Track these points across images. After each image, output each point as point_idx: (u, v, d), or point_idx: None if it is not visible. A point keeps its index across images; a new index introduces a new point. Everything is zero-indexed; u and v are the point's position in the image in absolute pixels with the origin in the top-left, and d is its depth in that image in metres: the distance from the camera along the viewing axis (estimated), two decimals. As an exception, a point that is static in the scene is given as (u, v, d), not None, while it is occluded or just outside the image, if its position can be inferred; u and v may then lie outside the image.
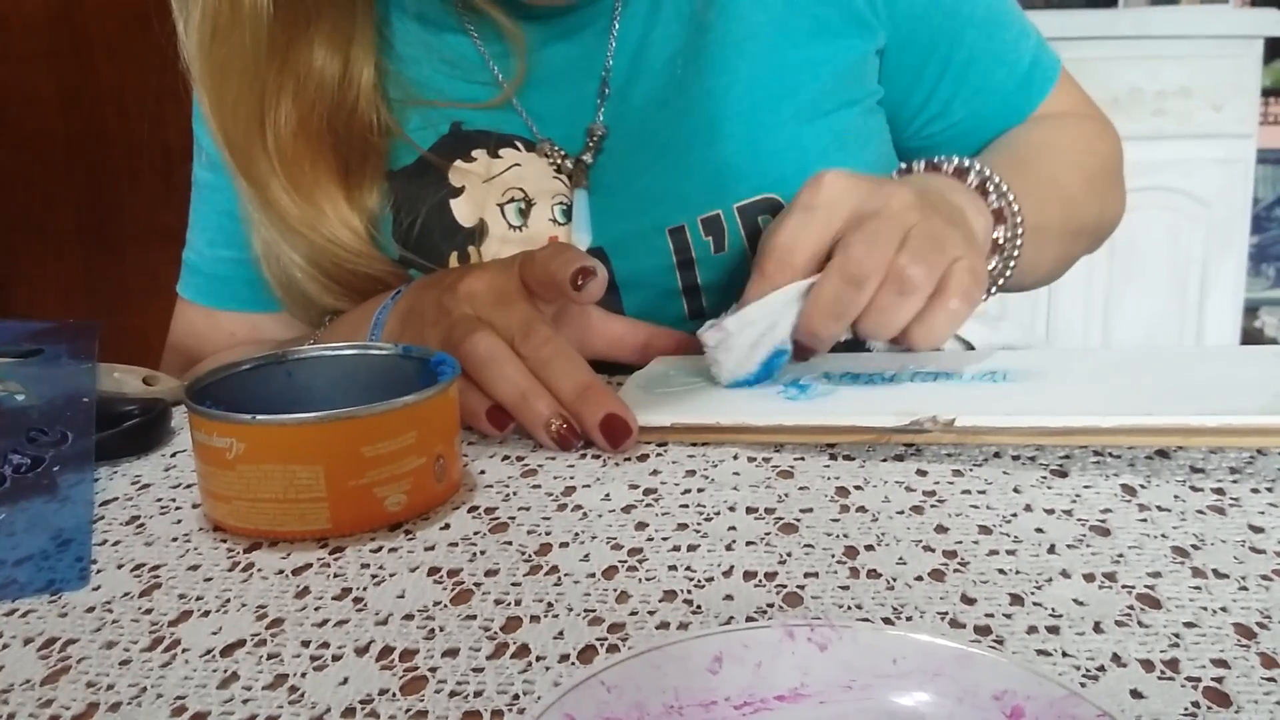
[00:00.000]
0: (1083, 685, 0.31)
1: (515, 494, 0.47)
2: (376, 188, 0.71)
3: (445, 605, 0.38)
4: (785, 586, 0.38)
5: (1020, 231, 0.62)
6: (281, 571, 0.41)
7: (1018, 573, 0.38)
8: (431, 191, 0.71)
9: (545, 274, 0.53)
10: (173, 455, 0.54)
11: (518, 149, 0.71)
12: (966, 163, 0.63)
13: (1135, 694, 0.31)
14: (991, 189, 0.62)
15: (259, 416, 0.42)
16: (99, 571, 0.42)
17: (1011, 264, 0.63)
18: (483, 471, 0.50)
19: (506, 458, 0.52)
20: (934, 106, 0.77)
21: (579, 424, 0.51)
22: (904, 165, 0.66)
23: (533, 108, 0.72)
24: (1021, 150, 0.75)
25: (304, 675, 0.34)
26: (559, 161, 0.71)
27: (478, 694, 0.32)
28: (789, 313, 0.54)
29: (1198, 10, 2.31)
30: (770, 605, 0.37)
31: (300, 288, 0.72)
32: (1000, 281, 0.64)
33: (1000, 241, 0.61)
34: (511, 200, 0.70)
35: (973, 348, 0.57)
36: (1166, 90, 2.16)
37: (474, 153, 0.71)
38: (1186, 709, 0.30)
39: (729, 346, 0.55)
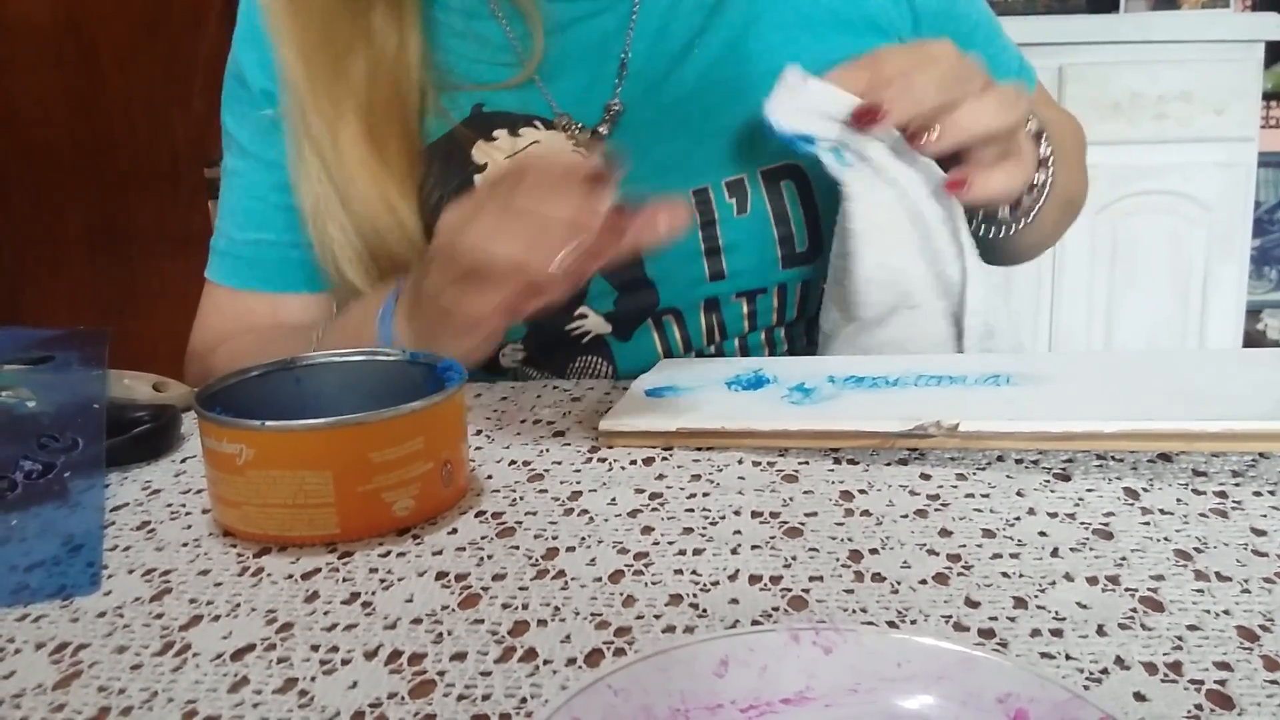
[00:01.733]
0: (1086, 688, 0.32)
1: (522, 499, 0.47)
2: (413, 163, 0.72)
3: (453, 609, 0.38)
4: (790, 590, 0.38)
5: (1050, 149, 0.67)
6: (291, 576, 0.41)
7: (1021, 576, 0.38)
8: (456, 170, 0.72)
9: (559, 165, 0.53)
10: (183, 461, 0.55)
11: (537, 127, 0.73)
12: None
13: (1138, 697, 0.31)
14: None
15: (268, 423, 0.42)
16: (110, 576, 0.42)
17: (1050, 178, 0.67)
18: (489, 476, 0.50)
19: (513, 462, 0.52)
20: None
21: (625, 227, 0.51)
22: None
23: (553, 87, 0.74)
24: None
25: (313, 679, 0.34)
26: (576, 134, 0.72)
27: (485, 697, 0.32)
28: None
29: (1199, 14, 2.31)
30: (775, 609, 0.37)
31: (333, 251, 0.72)
32: (1037, 208, 0.67)
33: (1048, 157, 0.66)
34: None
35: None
36: (1168, 94, 2.16)
37: (495, 133, 0.72)
38: (1189, 711, 0.30)
39: (800, 91, 0.59)
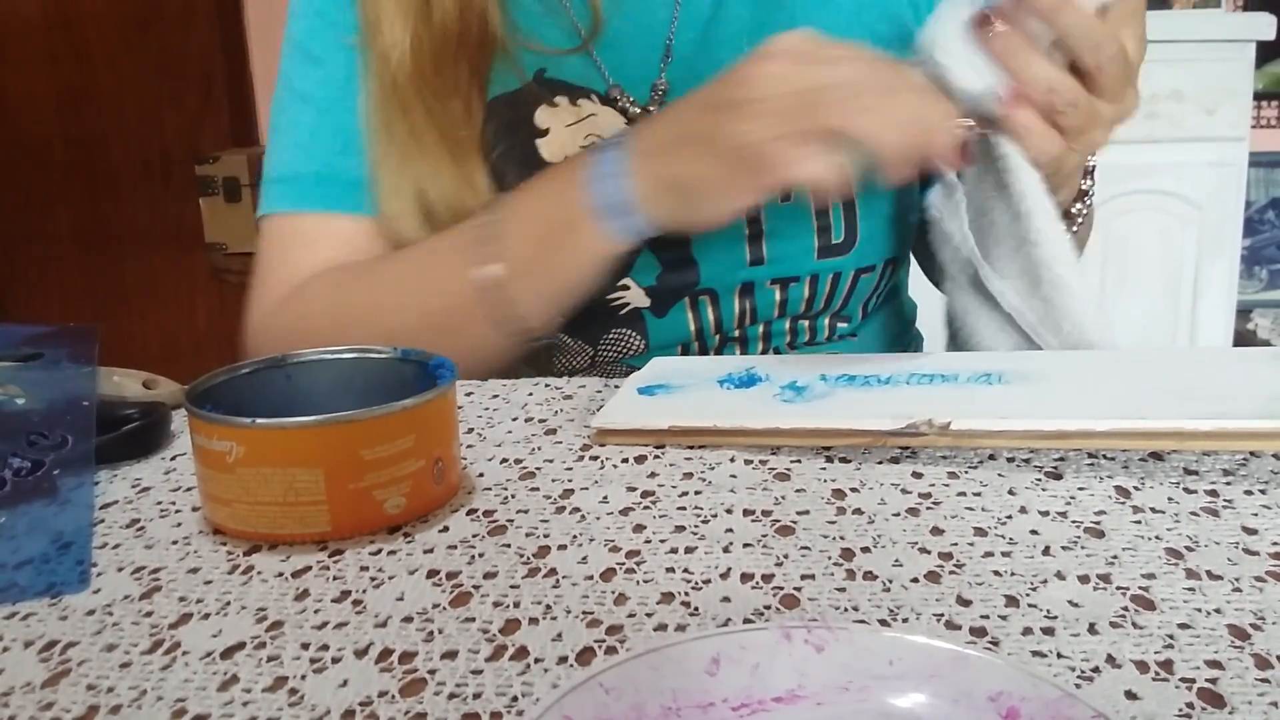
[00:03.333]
0: (1078, 686, 0.32)
1: (513, 497, 0.47)
2: (479, 113, 0.73)
3: (444, 607, 0.38)
4: (782, 588, 0.38)
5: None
6: (281, 574, 0.41)
7: (1013, 574, 0.38)
8: (520, 130, 0.72)
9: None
10: (173, 458, 0.55)
11: (592, 100, 0.74)
12: None
13: (1130, 695, 0.31)
14: None
15: (259, 420, 0.42)
16: (99, 574, 0.42)
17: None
18: (481, 474, 0.50)
19: (505, 460, 0.52)
20: None
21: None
22: None
23: (606, 56, 0.74)
24: None
25: (304, 677, 0.34)
26: (628, 108, 0.73)
27: (477, 696, 0.32)
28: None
29: (1190, 14, 2.32)
30: (767, 607, 0.37)
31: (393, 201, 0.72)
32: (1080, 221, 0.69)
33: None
34: (592, 145, 0.72)
35: None
36: (1159, 94, 2.17)
37: (556, 99, 0.73)
38: (1181, 710, 0.30)
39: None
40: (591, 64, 0.74)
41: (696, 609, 0.37)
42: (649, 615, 0.37)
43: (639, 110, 0.73)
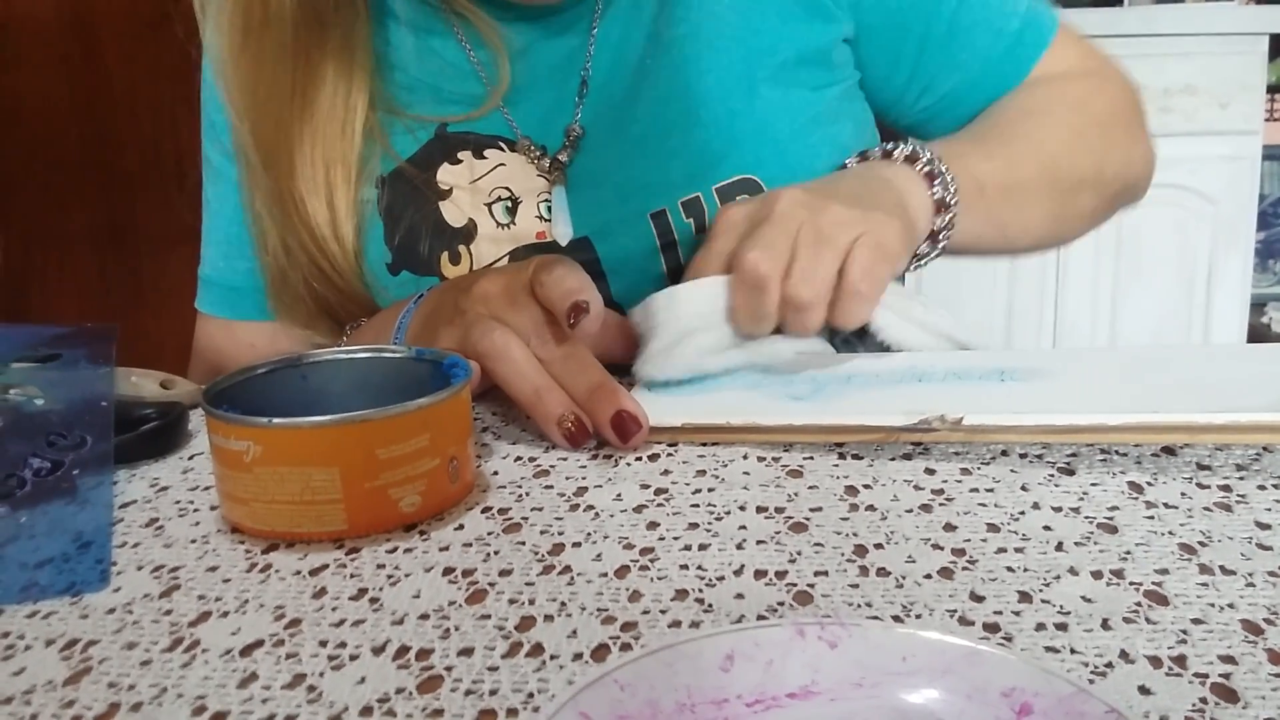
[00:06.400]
0: (1091, 682, 0.32)
1: (528, 494, 0.48)
2: (366, 193, 0.73)
3: (460, 605, 0.38)
4: (795, 585, 0.38)
5: (954, 190, 0.65)
6: (299, 572, 0.41)
7: (1026, 570, 0.39)
8: (420, 195, 0.72)
9: (546, 301, 0.54)
10: (190, 458, 0.55)
11: (501, 149, 0.73)
12: (900, 145, 0.67)
13: (1143, 690, 0.31)
14: (922, 157, 0.65)
15: (275, 420, 0.43)
16: (119, 573, 0.42)
17: (952, 216, 0.66)
18: (495, 472, 0.50)
19: (519, 459, 0.52)
20: (920, 82, 0.78)
21: (591, 420, 0.52)
22: (859, 154, 0.69)
23: (516, 109, 0.74)
24: (994, 118, 0.76)
25: (322, 675, 0.34)
26: (536, 160, 0.72)
27: (493, 692, 0.33)
28: (713, 315, 0.57)
29: (1203, 8, 2.31)
30: (781, 604, 0.37)
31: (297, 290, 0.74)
32: (942, 237, 0.66)
33: (946, 200, 0.65)
34: (498, 200, 0.72)
35: (888, 348, 0.60)
36: (1172, 88, 2.16)
37: (459, 154, 0.73)
38: (1194, 705, 0.30)
39: (658, 323, 0.58)
40: (498, 113, 0.73)
41: (710, 606, 0.37)
42: (663, 612, 0.37)
43: (548, 161, 0.72)
